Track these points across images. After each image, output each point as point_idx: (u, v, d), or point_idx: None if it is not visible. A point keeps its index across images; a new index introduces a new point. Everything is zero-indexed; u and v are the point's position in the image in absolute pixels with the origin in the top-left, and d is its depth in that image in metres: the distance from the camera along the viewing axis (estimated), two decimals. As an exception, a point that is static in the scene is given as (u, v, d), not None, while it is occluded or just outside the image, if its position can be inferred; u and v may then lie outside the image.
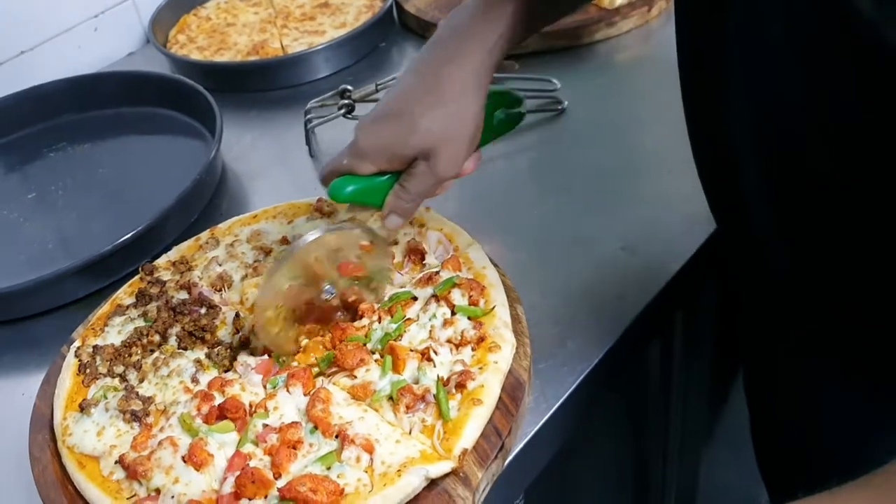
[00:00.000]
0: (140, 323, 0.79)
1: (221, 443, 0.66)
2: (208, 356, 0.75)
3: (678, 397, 1.03)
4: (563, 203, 0.91)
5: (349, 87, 1.06)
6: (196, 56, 1.27)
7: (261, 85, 1.20)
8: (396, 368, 0.69)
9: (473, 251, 0.78)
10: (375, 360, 0.70)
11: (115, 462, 0.67)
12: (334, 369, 0.71)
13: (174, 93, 1.11)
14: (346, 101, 1.05)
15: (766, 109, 0.57)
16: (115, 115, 1.16)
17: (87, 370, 0.76)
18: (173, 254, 0.87)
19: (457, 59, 0.69)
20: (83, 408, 0.72)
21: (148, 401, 0.71)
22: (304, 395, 0.69)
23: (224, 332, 0.77)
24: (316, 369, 0.71)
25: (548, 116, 1.03)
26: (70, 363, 0.77)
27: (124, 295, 0.84)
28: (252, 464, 0.64)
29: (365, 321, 0.74)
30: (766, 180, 0.60)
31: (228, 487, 0.63)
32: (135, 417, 0.70)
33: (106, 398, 0.72)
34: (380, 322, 0.73)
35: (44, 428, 0.73)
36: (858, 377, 0.66)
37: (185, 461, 0.65)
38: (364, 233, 0.74)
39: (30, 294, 0.85)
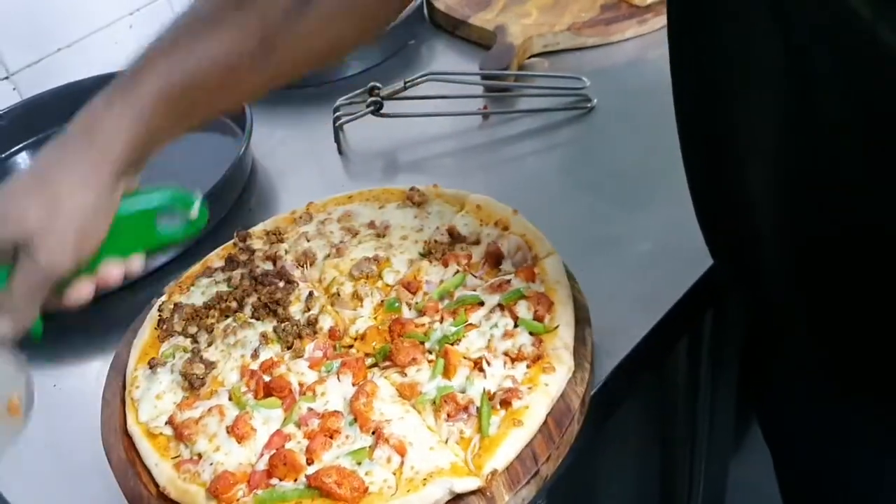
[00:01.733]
0: (223, 287, 0.82)
1: (267, 418, 0.68)
2: (275, 330, 0.76)
3: (706, 400, 1.01)
4: (591, 202, 0.90)
5: (378, 85, 1.06)
6: (228, 53, 1.28)
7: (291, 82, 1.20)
8: (447, 373, 0.67)
9: (551, 262, 0.75)
10: (429, 361, 0.69)
11: (165, 423, 0.69)
12: (388, 363, 0.70)
13: (206, 89, 1.12)
14: (375, 99, 1.05)
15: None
16: (147, 111, 1.17)
17: (164, 326, 0.79)
18: (269, 223, 0.89)
19: (71, 148, 0.62)
20: (152, 366, 0.75)
21: (210, 366, 0.73)
22: (353, 384, 0.69)
23: (296, 309, 0.78)
24: (371, 360, 0.71)
25: (577, 114, 1.03)
26: (153, 315, 0.80)
27: (215, 257, 0.87)
28: (290, 445, 0.65)
29: (426, 319, 0.72)
30: (782, 223, 0.57)
31: (262, 464, 0.64)
32: (192, 385, 0.72)
33: (174, 357, 0.75)
34: (441, 322, 0.72)
35: (119, 374, 0.76)
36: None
37: (228, 432, 0.67)
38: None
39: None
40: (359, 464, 0.62)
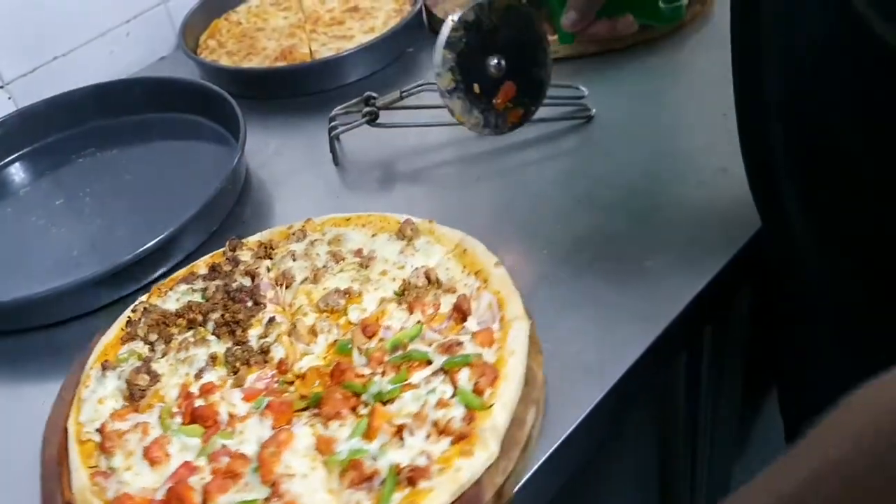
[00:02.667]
0: (197, 298, 0.80)
1: (184, 446, 0.66)
2: (226, 353, 0.74)
3: (707, 410, 0.99)
4: (590, 214, 0.88)
5: (374, 95, 1.04)
6: (225, 61, 1.26)
7: (287, 91, 1.18)
8: (368, 435, 0.63)
9: (516, 328, 0.69)
10: (360, 416, 0.65)
11: (96, 429, 0.69)
12: (317, 410, 0.67)
13: (200, 99, 1.11)
14: (370, 109, 1.03)
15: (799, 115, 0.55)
16: (142, 120, 1.16)
17: (130, 328, 0.78)
18: (265, 235, 0.88)
19: None
20: (104, 368, 0.74)
21: (155, 379, 0.72)
22: (272, 428, 0.66)
23: (254, 332, 0.76)
24: (305, 403, 0.68)
25: (576, 124, 1.01)
26: (125, 316, 0.80)
27: (203, 264, 0.86)
28: (194, 479, 0.63)
29: (369, 369, 0.69)
30: (800, 186, 0.58)
31: (161, 494, 0.62)
32: (132, 396, 0.71)
33: (127, 363, 0.75)
34: (383, 375, 0.68)
35: (79, 371, 0.76)
36: None
37: (144, 453, 0.65)
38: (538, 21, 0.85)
39: (53, 302, 0.86)
40: None
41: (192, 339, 0.76)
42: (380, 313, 0.74)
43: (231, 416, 0.68)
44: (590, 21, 0.86)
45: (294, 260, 0.83)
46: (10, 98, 1.21)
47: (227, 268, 0.83)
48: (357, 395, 0.67)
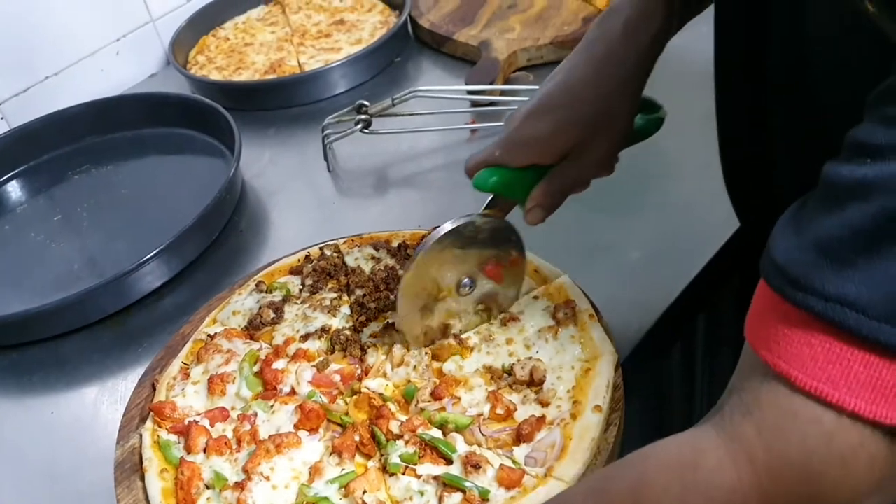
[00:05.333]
0: (369, 266, 0.82)
1: (239, 393, 0.71)
2: (335, 331, 0.75)
3: (702, 401, 1.02)
4: (579, 212, 0.90)
5: (365, 103, 1.06)
6: (215, 76, 1.28)
7: (278, 102, 1.21)
8: (347, 491, 0.62)
9: (544, 494, 0.60)
10: (358, 464, 0.65)
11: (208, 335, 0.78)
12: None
13: (193, 113, 1.13)
14: (363, 116, 1.05)
15: (802, 108, 0.57)
16: (136, 136, 1.18)
17: (305, 261, 0.84)
18: None
19: (609, 67, 0.68)
20: (258, 286, 0.82)
21: (278, 319, 0.78)
22: (294, 427, 0.68)
23: (373, 327, 0.76)
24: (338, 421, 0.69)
25: (563, 125, 1.03)
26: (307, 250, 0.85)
27: (407, 236, 0.85)
28: (220, 426, 0.69)
29: (404, 430, 0.66)
30: (801, 179, 0.60)
31: (190, 419, 0.70)
32: (252, 323, 0.78)
33: (275, 291, 0.81)
34: (406, 444, 0.65)
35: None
36: None
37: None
38: (510, 234, 0.73)
39: (56, 314, 0.87)
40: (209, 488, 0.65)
41: (327, 303, 0.79)
42: (465, 379, 0.70)
43: (292, 389, 0.71)
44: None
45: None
46: (2, 118, 1.22)
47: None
48: (376, 442, 0.67)
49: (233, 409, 0.71)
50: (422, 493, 0.62)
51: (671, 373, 0.94)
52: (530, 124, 0.69)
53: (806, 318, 0.41)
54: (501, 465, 0.63)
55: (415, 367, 0.72)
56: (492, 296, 0.75)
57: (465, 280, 0.72)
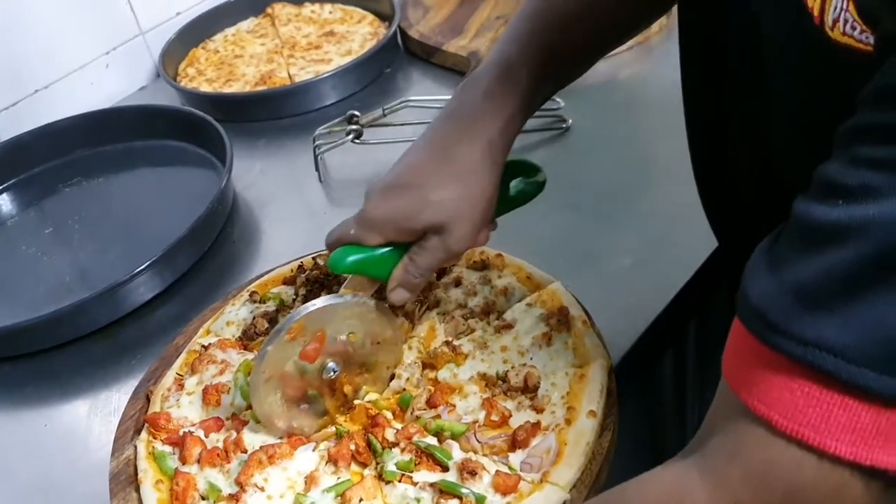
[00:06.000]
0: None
1: (234, 402, 0.72)
2: None
3: (693, 405, 1.02)
4: (570, 220, 0.91)
5: (356, 113, 1.07)
6: (205, 88, 1.29)
7: (269, 114, 1.21)
8: (343, 500, 0.63)
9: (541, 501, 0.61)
10: (354, 472, 0.66)
11: (202, 345, 0.78)
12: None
13: (184, 124, 1.13)
14: (354, 127, 1.06)
15: (763, 126, 0.58)
16: (127, 148, 1.18)
17: (298, 272, 0.84)
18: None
19: (468, 138, 0.66)
20: (251, 296, 0.82)
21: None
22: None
23: None
24: (332, 429, 0.69)
25: (553, 135, 1.05)
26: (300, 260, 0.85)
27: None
28: (215, 436, 0.69)
29: (400, 437, 0.66)
30: (765, 196, 0.60)
31: (185, 430, 0.70)
32: (246, 333, 0.78)
33: (268, 301, 0.81)
34: (402, 452, 0.65)
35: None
36: None
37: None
38: (379, 312, 0.69)
39: (49, 326, 0.87)
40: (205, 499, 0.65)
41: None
42: (459, 387, 0.71)
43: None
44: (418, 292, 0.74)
45: (456, 286, 0.80)
46: (-7, 131, 1.22)
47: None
48: (372, 451, 0.67)
49: (227, 419, 0.71)
50: (418, 501, 0.63)
51: (663, 378, 0.95)
52: (383, 203, 0.67)
53: (784, 362, 0.41)
54: (497, 471, 0.63)
55: (407, 380, 0.72)
56: (371, 364, 0.71)
57: (330, 364, 0.68)
